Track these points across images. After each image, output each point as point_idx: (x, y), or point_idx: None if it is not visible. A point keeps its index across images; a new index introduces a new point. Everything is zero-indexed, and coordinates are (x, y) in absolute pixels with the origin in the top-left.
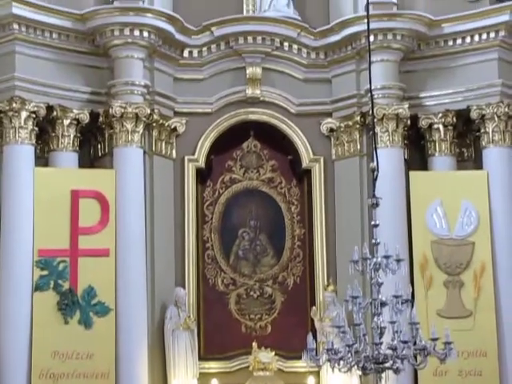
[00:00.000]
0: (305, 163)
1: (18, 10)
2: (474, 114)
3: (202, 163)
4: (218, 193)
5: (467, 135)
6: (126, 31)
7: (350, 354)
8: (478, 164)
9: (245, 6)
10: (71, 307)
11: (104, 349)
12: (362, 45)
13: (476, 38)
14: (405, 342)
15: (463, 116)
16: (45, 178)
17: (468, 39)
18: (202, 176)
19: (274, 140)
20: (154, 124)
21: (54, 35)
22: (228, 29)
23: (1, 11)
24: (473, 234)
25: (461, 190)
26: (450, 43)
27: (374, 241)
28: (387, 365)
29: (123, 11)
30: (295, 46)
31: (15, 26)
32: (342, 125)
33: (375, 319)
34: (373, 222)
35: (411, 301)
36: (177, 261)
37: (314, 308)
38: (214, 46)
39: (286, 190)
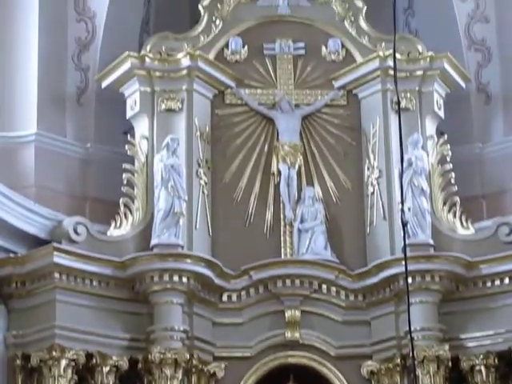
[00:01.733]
0: None
1: (60, 259)
2: None
3: None
4: None
5: (510, 377)
6: (166, 277)
7: None
8: None
9: (283, 250)
10: None
11: None
12: (401, 286)
13: None
14: None
15: (505, 357)
16: None
17: (506, 280)
18: None
19: (314, 382)
20: (194, 369)
21: (95, 282)
22: (266, 272)
23: (42, 261)
24: None
25: None
26: (489, 284)
27: None
28: None
29: (163, 257)
30: (333, 289)
31: (56, 275)
32: (383, 367)
33: None
34: None
35: None
36: None
37: None
38: (252, 290)
39: None
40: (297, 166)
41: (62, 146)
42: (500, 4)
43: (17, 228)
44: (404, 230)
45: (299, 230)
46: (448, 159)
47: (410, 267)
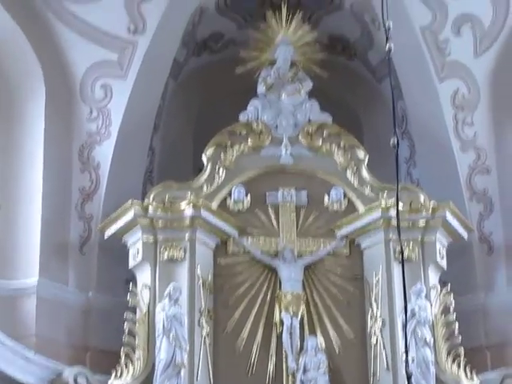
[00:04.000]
0: None
1: None
2: None
3: None
4: None
5: None
6: None
7: None
8: None
9: None
10: None
11: None
12: None
13: None
14: None
15: None
16: None
17: None
18: None
19: None
20: None
21: None
22: None
23: None
24: None
25: None
26: None
27: None
28: None
29: None
30: None
31: None
32: None
33: None
34: None
35: None
36: None
37: None
38: None
39: None
40: (299, 316)
41: (64, 295)
42: (501, 155)
43: (16, 379)
44: (409, 382)
45: (302, 381)
46: (451, 309)
47: None
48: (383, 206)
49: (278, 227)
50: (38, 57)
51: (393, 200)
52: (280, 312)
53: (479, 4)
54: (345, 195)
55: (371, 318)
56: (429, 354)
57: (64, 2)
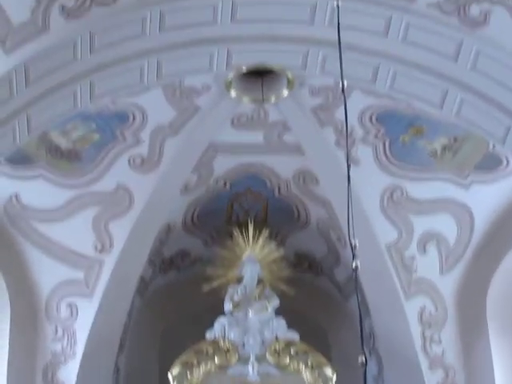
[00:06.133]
0: None
1: None
2: None
3: None
4: None
5: None
6: None
7: None
8: None
9: None
10: None
11: None
12: None
13: None
14: None
15: None
16: None
17: None
18: None
19: None
20: None
21: None
22: None
23: None
24: None
25: None
26: None
27: None
28: None
29: None
30: None
31: None
32: None
33: None
34: None
35: None
36: None
37: None
38: None
39: None
40: None
41: None
42: (469, 373)
43: None
44: None
45: None
46: None
47: None
48: None
49: None
50: (3, 274)
51: None
52: None
53: (444, 222)
54: None
55: None
56: None
57: (31, 221)
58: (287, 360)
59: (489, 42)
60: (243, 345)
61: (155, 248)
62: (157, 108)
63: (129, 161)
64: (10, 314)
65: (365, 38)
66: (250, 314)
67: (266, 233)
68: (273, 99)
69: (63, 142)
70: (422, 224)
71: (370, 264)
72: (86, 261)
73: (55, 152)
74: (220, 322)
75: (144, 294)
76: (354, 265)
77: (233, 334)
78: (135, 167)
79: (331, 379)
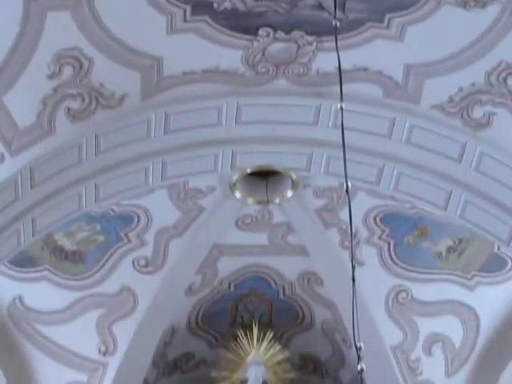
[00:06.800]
0: None
1: None
2: None
3: None
4: None
5: None
6: None
7: None
8: None
9: None
10: None
11: None
12: None
13: None
14: None
15: None
16: None
17: None
18: None
19: None
20: None
21: None
22: None
23: None
24: None
25: None
26: None
27: None
28: None
29: None
30: None
31: None
32: None
33: None
34: None
35: None
36: None
37: None
38: None
39: None
40: None
41: None
42: None
43: None
44: None
45: None
46: None
47: None
48: None
49: None
50: (6, 377)
51: None
52: None
53: (449, 324)
54: None
55: None
56: None
57: (34, 324)
58: None
59: (492, 143)
60: None
61: (159, 350)
62: (161, 209)
63: (133, 262)
64: None
65: (368, 140)
66: None
67: (270, 334)
68: (277, 200)
69: (67, 244)
70: (427, 326)
71: (376, 366)
72: (89, 363)
73: (59, 253)
74: None
75: None
76: (359, 367)
77: None
78: (140, 269)
79: None
